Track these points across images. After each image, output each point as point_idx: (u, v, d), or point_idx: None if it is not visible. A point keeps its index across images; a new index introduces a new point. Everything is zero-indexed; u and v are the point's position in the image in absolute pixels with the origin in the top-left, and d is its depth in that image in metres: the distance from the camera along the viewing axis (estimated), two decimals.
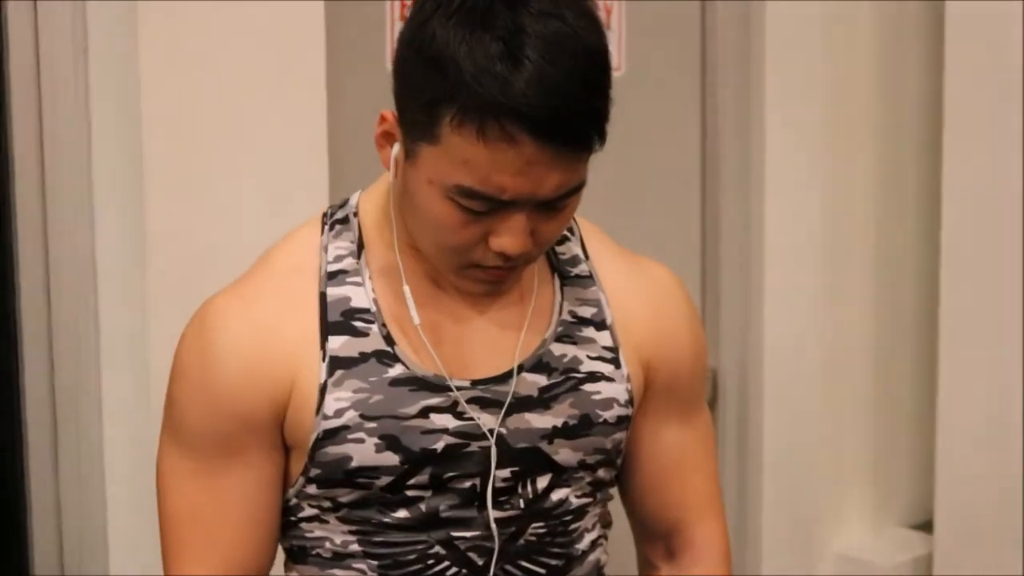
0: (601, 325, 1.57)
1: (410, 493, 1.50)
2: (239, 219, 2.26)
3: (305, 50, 2.27)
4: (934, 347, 3.01)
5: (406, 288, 1.50)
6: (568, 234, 1.60)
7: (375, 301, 1.51)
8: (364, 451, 1.48)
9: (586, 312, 1.57)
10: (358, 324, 1.50)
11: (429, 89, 1.38)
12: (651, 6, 2.84)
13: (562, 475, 1.54)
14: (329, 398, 1.49)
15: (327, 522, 1.54)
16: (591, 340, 1.56)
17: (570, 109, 1.35)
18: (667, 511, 1.66)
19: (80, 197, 2.21)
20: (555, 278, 1.58)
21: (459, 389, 1.50)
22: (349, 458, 1.49)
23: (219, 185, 2.24)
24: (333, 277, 1.52)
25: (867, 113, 3.02)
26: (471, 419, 1.49)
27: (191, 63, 2.17)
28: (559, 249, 1.59)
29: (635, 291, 1.60)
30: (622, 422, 1.57)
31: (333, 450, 1.49)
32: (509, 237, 1.41)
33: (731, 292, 3.00)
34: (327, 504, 1.53)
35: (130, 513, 2.25)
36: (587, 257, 1.60)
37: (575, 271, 1.59)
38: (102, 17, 2.17)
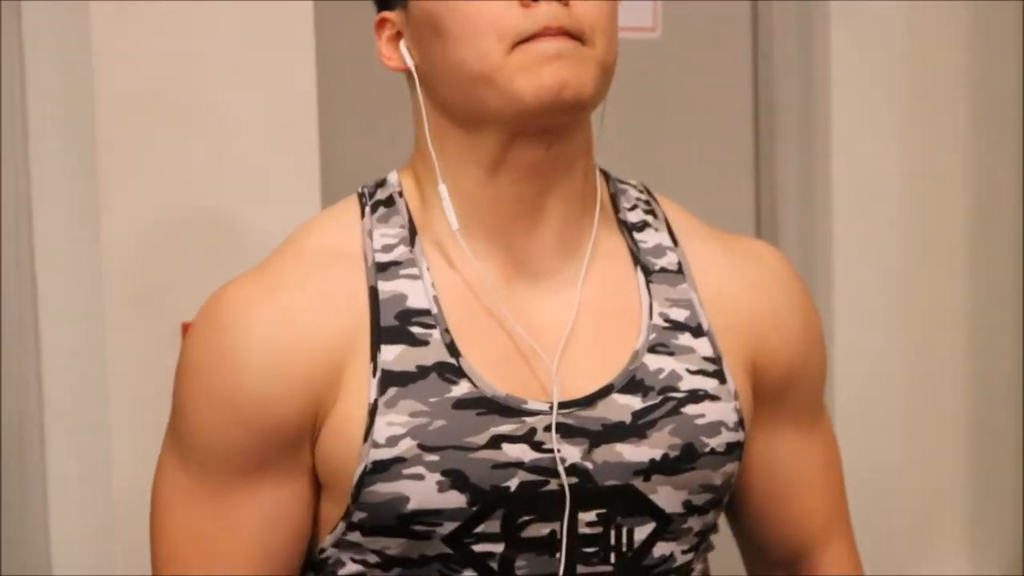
0: (698, 331, 1.46)
1: (477, 548, 1.39)
2: (213, 221, 2.21)
3: (293, 25, 2.25)
4: None
5: (442, 187, 1.41)
6: (649, 218, 1.51)
7: (435, 299, 1.41)
8: (424, 490, 1.37)
9: (679, 315, 1.47)
10: (416, 330, 1.40)
11: None
12: None
13: (667, 525, 1.43)
14: (380, 422, 1.37)
15: None
16: (689, 349, 1.45)
17: None
18: (788, 536, 1.58)
19: (16, 199, 2.17)
20: (638, 271, 1.48)
21: (536, 414, 1.39)
22: (405, 499, 1.37)
23: (191, 179, 2.18)
24: (384, 269, 1.42)
25: (957, 77, 2.89)
26: (550, 451, 1.39)
27: (151, 39, 2.15)
28: (639, 237, 1.50)
29: (734, 279, 1.51)
30: (733, 450, 1.45)
31: (384, 488, 1.37)
32: None
33: None
34: (374, 560, 1.41)
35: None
36: (675, 244, 1.50)
37: (660, 263, 1.49)
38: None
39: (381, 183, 1.48)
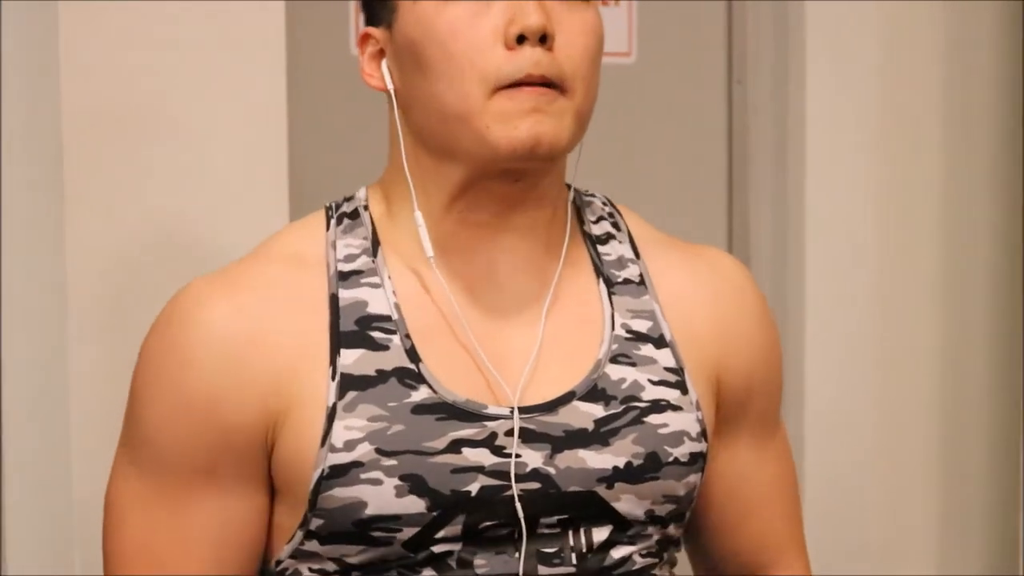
0: (660, 341, 1.47)
1: (437, 549, 1.38)
2: (180, 235, 2.18)
3: (264, 33, 2.23)
4: (1017, 388, 2.81)
5: (418, 214, 1.41)
6: (613, 230, 1.52)
7: (397, 306, 1.41)
8: (382, 495, 1.36)
9: (641, 326, 1.47)
10: (376, 335, 1.40)
11: None
12: None
13: (626, 529, 1.43)
14: (338, 426, 1.36)
15: None
16: (651, 360, 1.46)
17: None
18: (742, 553, 1.57)
19: None
20: (600, 283, 1.48)
21: (497, 419, 1.39)
22: (363, 504, 1.36)
23: (158, 193, 2.15)
24: (345, 278, 1.42)
25: (931, 108, 2.87)
26: (511, 455, 1.39)
27: (119, 51, 2.12)
28: (603, 250, 1.50)
29: (695, 289, 1.51)
30: (696, 460, 1.46)
31: (342, 493, 1.36)
32: (521, 8, 1.36)
33: None
34: (332, 568, 1.40)
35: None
36: (637, 256, 1.51)
37: (623, 275, 1.49)
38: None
39: (349, 198, 1.49)
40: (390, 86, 1.43)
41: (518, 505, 1.38)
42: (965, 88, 2.86)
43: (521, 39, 1.36)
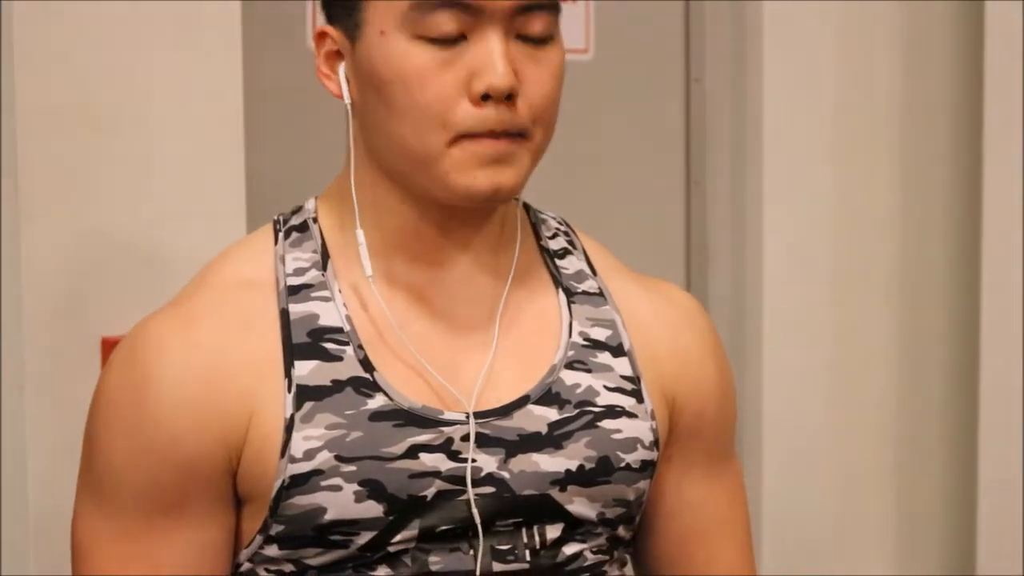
0: (618, 350, 1.48)
1: (392, 548, 1.39)
2: (136, 235, 2.15)
3: (221, 29, 2.21)
4: (974, 396, 2.82)
5: (359, 232, 1.42)
6: (570, 247, 1.53)
7: (348, 319, 1.42)
8: (341, 501, 1.37)
9: (600, 334, 1.48)
10: (329, 346, 1.40)
11: None
12: None
13: (577, 528, 1.44)
14: (297, 436, 1.37)
15: None
16: (607, 367, 1.47)
17: None
18: None
19: None
20: (559, 293, 1.49)
21: (453, 424, 1.40)
22: (322, 510, 1.37)
23: (113, 193, 2.12)
24: (295, 292, 1.43)
25: (888, 110, 2.90)
26: (466, 460, 1.40)
27: (72, 48, 2.09)
28: (561, 264, 1.51)
29: (653, 315, 1.52)
30: (646, 468, 1.47)
31: (302, 500, 1.37)
32: (490, 68, 1.35)
33: (720, 325, 2.73)
34: (290, 568, 1.41)
35: None
36: (594, 273, 1.52)
37: (582, 287, 1.50)
38: None
39: (298, 209, 1.49)
40: (347, 98, 1.42)
41: (474, 511, 1.39)
42: (922, 86, 2.89)
43: (486, 97, 1.37)
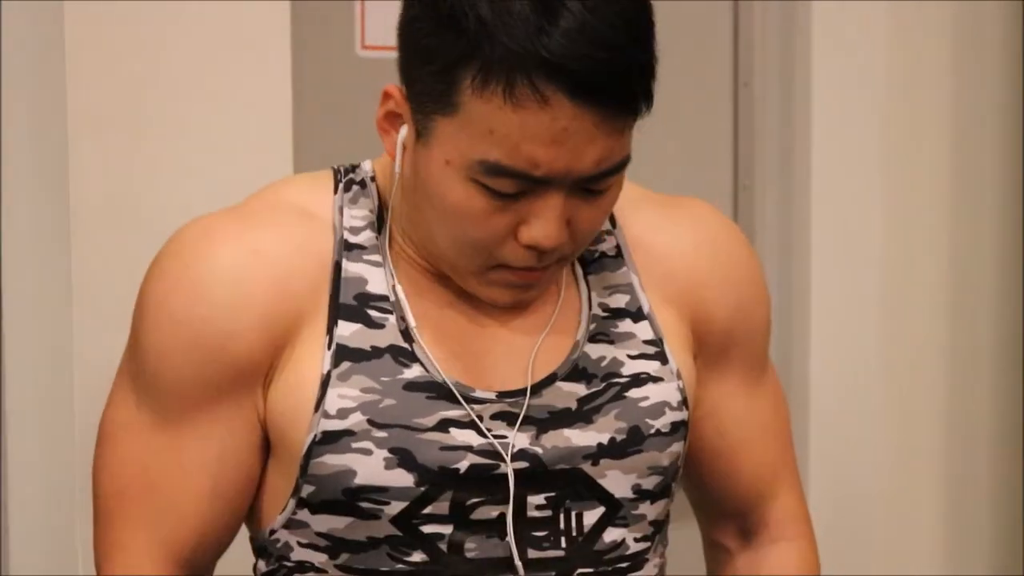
0: (638, 315, 1.49)
1: (426, 529, 1.39)
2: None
3: (268, 35, 2.18)
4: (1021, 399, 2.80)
5: (399, 286, 1.42)
6: None
7: (394, 289, 1.42)
8: (371, 465, 1.38)
9: (619, 301, 1.49)
10: (373, 313, 1.41)
11: (445, 49, 1.30)
12: None
13: (617, 510, 1.45)
14: (332, 393, 1.38)
15: (324, 573, 1.42)
16: (630, 335, 1.48)
17: (615, 63, 1.29)
18: (738, 489, 1.61)
19: None
20: (576, 266, 1.50)
21: (482, 402, 1.41)
22: (352, 472, 1.38)
23: (162, 199, 2.09)
24: (350, 249, 1.42)
25: (939, 114, 2.86)
26: (498, 436, 1.40)
27: (124, 52, 2.07)
28: None
29: (673, 239, 1.53)
30: (678, 429, 1.48)
31: (332, 460, 1.38)
32: (542, 226, 1.34)
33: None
34: (324, 544, 1.41)
35: None
36: (614, 226, 1.51)
37: (599, 248, 1.50)
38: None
39: (354, 167, 1.48)
40: (398, 167, 1.40)
41: (511, 480, 1.40)
42: (973, 90, 2.86)
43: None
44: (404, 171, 1.39)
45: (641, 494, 1.46)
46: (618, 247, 1.51)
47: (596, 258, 1.50)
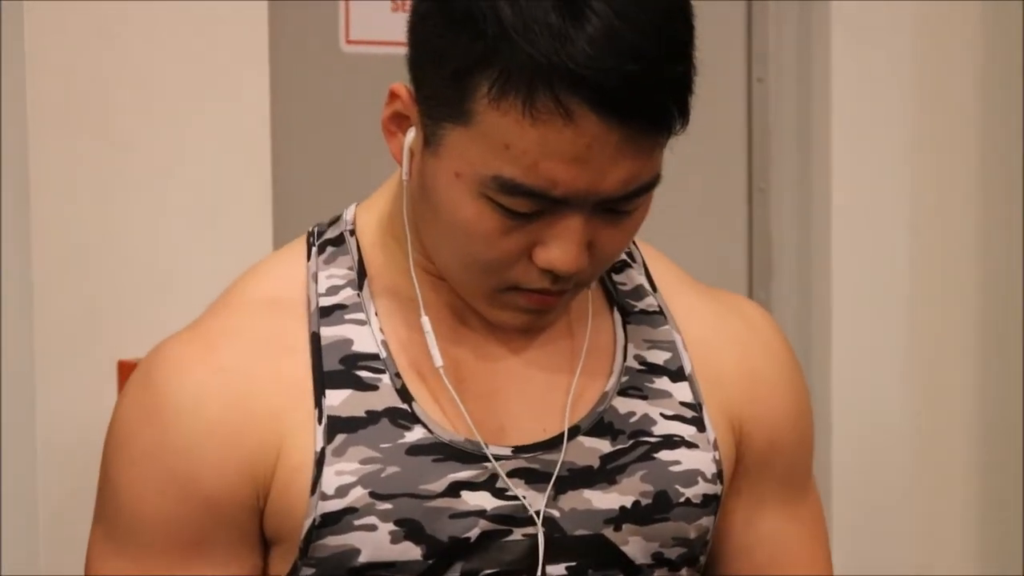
0: (678, 375, 1.43)
1: None
2: (155, 251, 2.18)
3: (246, 30, 2.23)
4: None
5: (425, 319, 1.37)
6: (628, 259, 1.48)
7: (384, 344, 1.38)
8: (376, 541, 1.33)
9: (658, 357, 1.43)
10: (363, 375, 1.36)
11: (459, 52, 1.25)
12: None
13: (636, 575, 1.40)
14: (328, 471, 1.34)
15: None
16: (665, 394, 1.42)
17: (646, 75, 1.24)
18: None
19: None
20: (614, 312, 1.44)
21: (498, 459, 1.36)
22: (356, 551, 1.33)
23: (130, 207, 2.14)
24: (328, 313, 1.38)
25: (963, 110, 2.89)
26: (514, 498, 1.35)
27: (93, 60, 2.12)
28: (617, 278, 1.46)
29: (720, 333, 1.47)
30: (709, 503, 1.41)
31: (334, 541, 1.33)
32: (560, 249, 1.28)
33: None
34: None
35: None
36: (654, 290, 1.47)
37: (640, 305, 1.45)
38: None
39: (336, 219, 1.45)
40: (405, 173, 1.35)
41: (541, 544, 1.35)
42: (998, 85, 2.87)
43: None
44: (412, 179, 1.35)
45: (660, 562, 1.41)
46: (660, 308, 1.47)
47: (637, 311, 1.45)
